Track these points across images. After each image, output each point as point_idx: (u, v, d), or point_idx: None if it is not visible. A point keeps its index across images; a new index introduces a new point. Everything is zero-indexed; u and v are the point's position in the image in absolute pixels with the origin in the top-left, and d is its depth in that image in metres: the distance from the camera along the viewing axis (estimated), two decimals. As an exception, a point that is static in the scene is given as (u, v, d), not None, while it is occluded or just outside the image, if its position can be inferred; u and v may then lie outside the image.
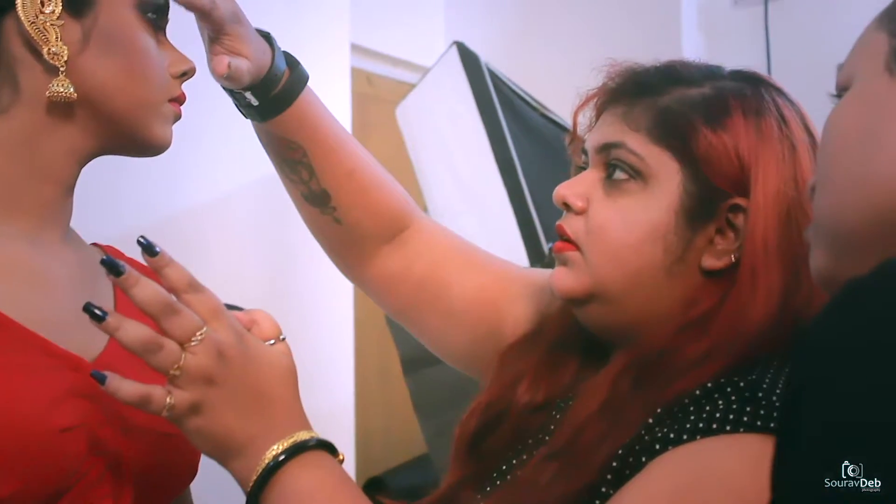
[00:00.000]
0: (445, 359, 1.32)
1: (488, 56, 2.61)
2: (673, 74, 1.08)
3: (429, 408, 2.44)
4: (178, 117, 1.04)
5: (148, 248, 0.85)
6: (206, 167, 2.15)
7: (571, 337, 1.14)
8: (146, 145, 1.02)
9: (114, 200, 1.86)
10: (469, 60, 2.47)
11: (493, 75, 2.50)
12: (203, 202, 2.13)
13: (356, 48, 2.89)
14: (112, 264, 0.82)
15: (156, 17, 1.00)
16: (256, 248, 2.35)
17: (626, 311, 1.06)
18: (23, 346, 0.90)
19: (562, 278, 1.08)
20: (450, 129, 2.52)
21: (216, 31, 1.05)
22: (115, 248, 1.12)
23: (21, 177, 0.96)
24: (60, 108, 0.96)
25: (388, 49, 3.26)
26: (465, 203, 2.49)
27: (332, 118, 1.22)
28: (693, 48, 2.93)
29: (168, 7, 1.02)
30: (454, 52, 2.49)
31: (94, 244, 1.11)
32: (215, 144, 2.10)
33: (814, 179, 0.84)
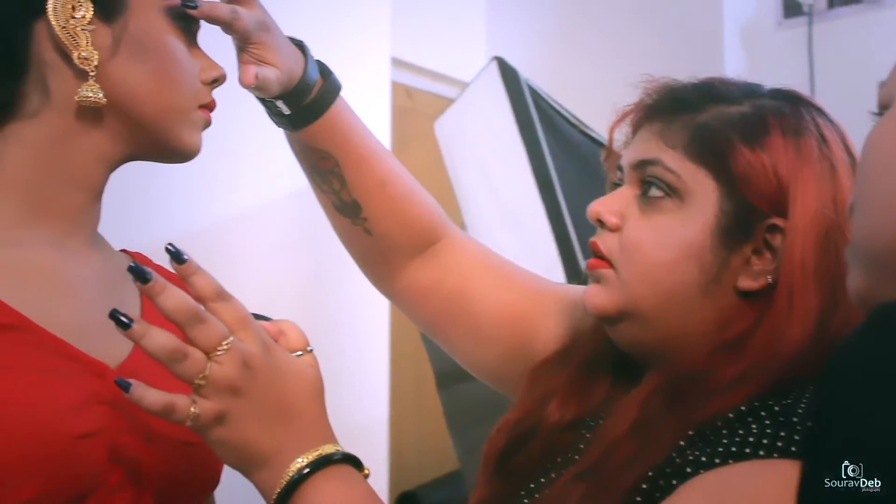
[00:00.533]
0: (475, 374, 1.31)
1: (529, 71, 2.60)
2: (711, 91, 1.07)
3: (461, 423, 2.43)
4: (207, 124, 1.03)
5: (176, 255, 0.85)
6: (243, 177, 2.16)
7: (604, 355, 1.12)
8: (175, 151, 1.01)
9: (148, 207, 1.87)
10: (509, 76, 2.46)
11: (533, 91, 2.49)
12: (238, 212, 2.14)
13: (396, 62, 2.90)
14: (139, 271, 0.81)
15: (186, 24, 1.00)
16: (292, 260, 2.35)
17: (660, 331, 1.04)
18: (45, 350, 0.90)
19: (595, 296, 1.07)
20: (488, 145, 2.52)
21: (243, 40, 1.05)
22: (143, 255, 1.12)
23: (49, 181, 0.96)
24: (90, 114, 0.96)
25: (428, 63, 3.27)
26: (503, 219, 2.48)
27: (364, 128, 1.22)
28: (736, 67, 2.91)
29: None
30: (494, 67, 2.48)
31: (123, 250, 1.11)
32: (253, 154, 2.11)
33: (853, 199, 0.83)
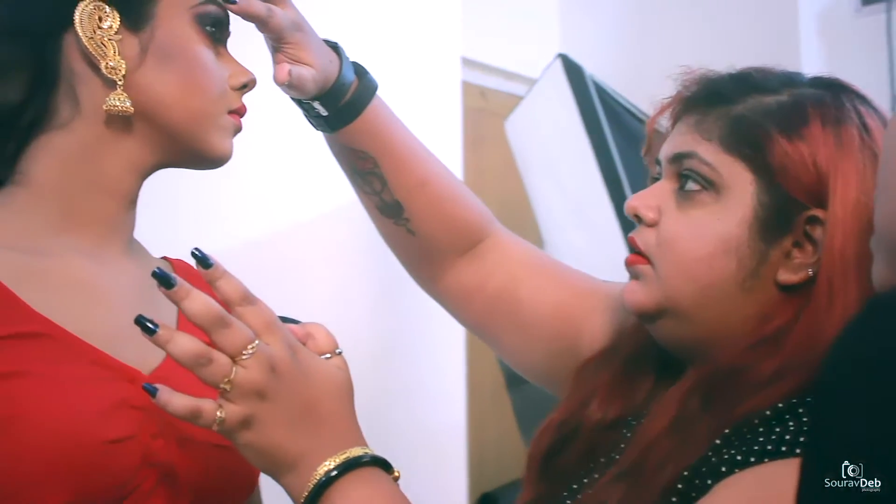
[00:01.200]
0: (524, 374, 1.30)
1: (602, 65, 2.57)
2: (748, 82, 1.05)
3: (531, 423, 2.41)
4: (238, 129, 1.04)
5: (202, 260, 0.85)
6: (314, 182, 2.17)
7: (647, 352, 1.11)
8: (206, 157, 1.02)
9: (219, 214, 1.90)
10: (573, 73, 2.44)
11: (599, 87, 2.46)
12: (309, 217, 2.16)
13: (470, 62, 2.89)
14: (163, 277, 0.82)
15: (215, 30, 1.01)
16: (365, 263, 2.36)
17: (699, 327, 1.02)
18: (77, 357, 0.91)
19: (633, 292, 1.05)
20: (555, 143, 2.50)
21: (277, 39, 1.06)
22: (184, 262, 1.13)
23: (81, 190, 0.98)
24: (119, 122, 0.97)
25: (501, 62, 3.25)
26: (572, 217, 2.46)
27: (403, 128, 1.22)
28: (812, 56, 2.84)
29: (228, 20, 1.03)
30: (558, 64, 2.46)
31: (164, 258, 1.12)
32: (323, 159, 2.12)
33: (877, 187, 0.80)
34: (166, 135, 0.99)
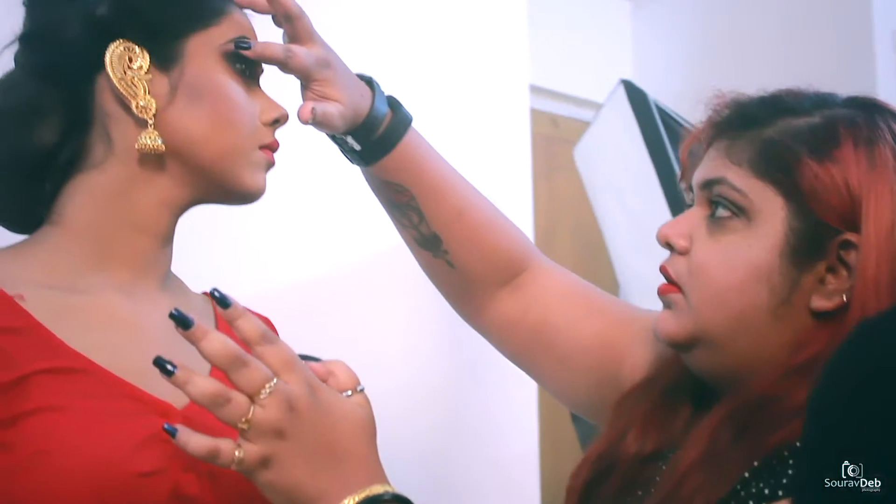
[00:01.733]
0: (566, 405, 1.28)
1: (675, 87, 2.53)
2: (779, 104, 1.02)
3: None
4: (270, 165, 1.05)
5: (221, 300, 0.85)
6: (377, 215, 2.18)
7: (684, 383, 1.08)
8: (238, 193, 1.03)
9: (281, 249, 1.92)
10: (636, 98, 2.42)
11: (662, 112, 2.44)
12: (376, 251, 2.15)
13: (539, 90, 2.88)
14: (180, 318, 0.82)
15: (245, 66, 1.02)
16: (435, 294, 2.36)
17: (732, 356, 1.00)
18: (111, 392, 0.92)
19: (664, 322, 1.04)
20: (620, 169, 2.48)
21: (303, 78, 1.07)
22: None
23: (116, 228, 1.00)
24: (152, 160, 0.99)
25: (573, 89, 3.24)
26: (639, 243, 2.43)
27: (439, 159, 1.22)
28: (889, 73, 2.76)
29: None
30: (621, 90, 2.45)
31: (204, 293, 1.13)
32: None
33: None
34: (198, 172, 1.01)
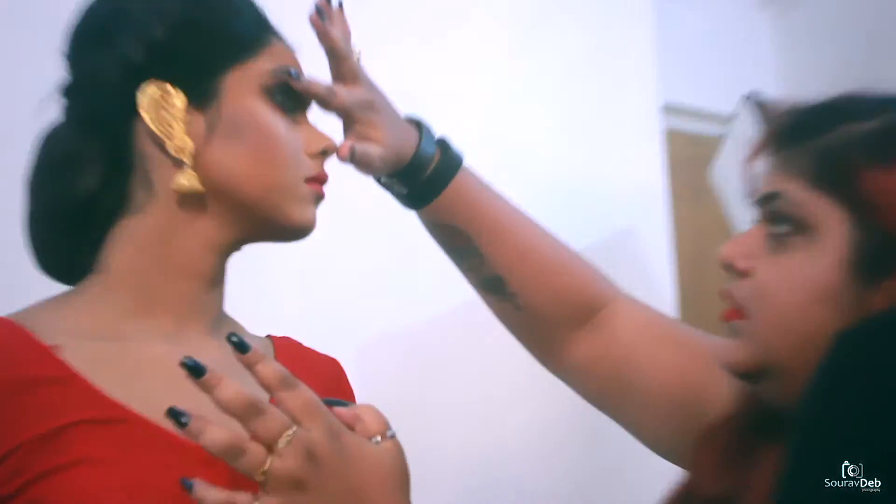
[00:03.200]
0: (652, 448, 1.20)
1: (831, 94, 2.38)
2: (840, 109, 0.94)
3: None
4: (320, 198, 1.02)
5: (239, 345, 0.83)
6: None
7: (761, 418, 1.00)
8: (286, 230, 1.01)
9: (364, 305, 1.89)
10: (762, 111, 2.31)
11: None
12: (451, 306, 2.09)
13: (671, 109, 2.76)
14: (192, 366, 0.81)
15: (286, 99, 1.00)
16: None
17: (803, 386, 0.91)
18: (150, 442, 0.91)
19: (729, 351, 0.96)
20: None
21: (346, 118, 1.06)
22: (290, 340, 1.12)
23: (159, 273, 0.99)
24: (193, 202, 0.97)
25: (716, 107, 3.11)
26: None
27: (496, 198, 1.18)
28: None
29: None
30: (746, 106, 2.34)
31: (269, 336, 1.12)
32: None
33: None
34: (242, 211, 0.99)
